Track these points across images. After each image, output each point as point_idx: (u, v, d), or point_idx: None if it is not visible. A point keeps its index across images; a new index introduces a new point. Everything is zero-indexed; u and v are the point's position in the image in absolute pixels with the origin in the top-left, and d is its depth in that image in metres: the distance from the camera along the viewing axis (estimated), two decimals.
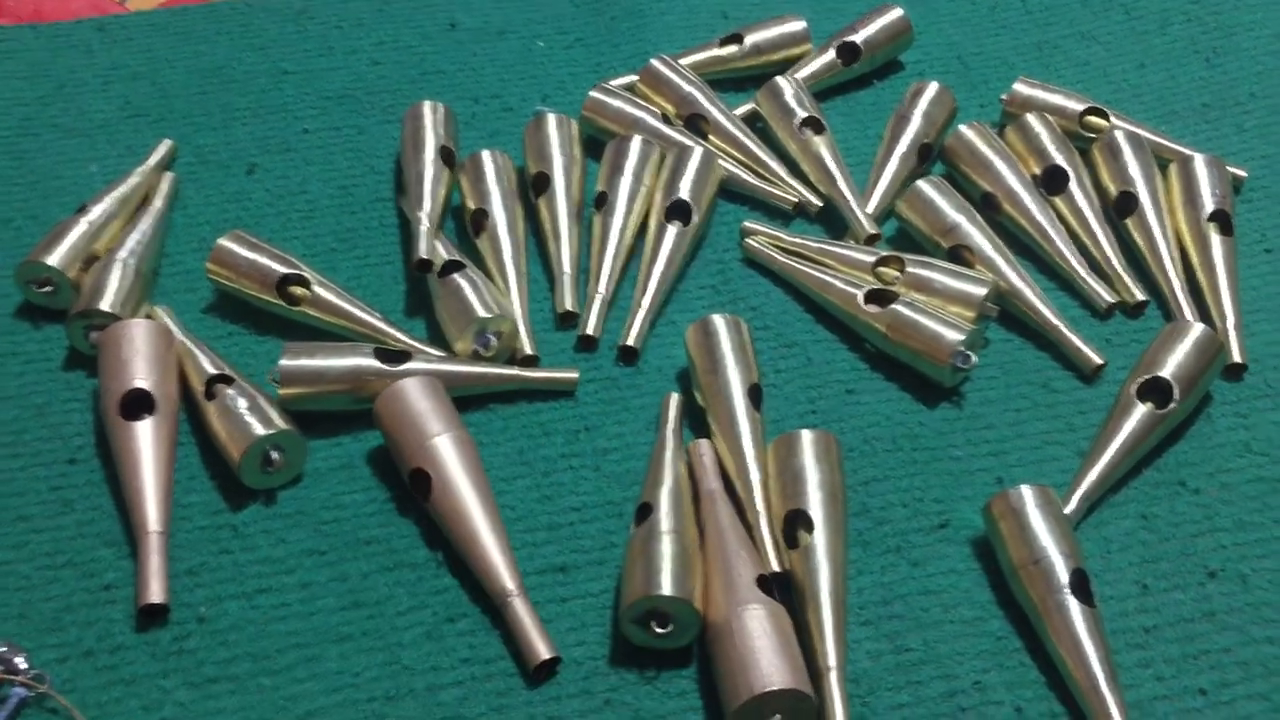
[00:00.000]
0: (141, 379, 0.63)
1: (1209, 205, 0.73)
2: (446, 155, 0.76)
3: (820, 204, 0.77)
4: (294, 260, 0.70)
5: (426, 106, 0.78)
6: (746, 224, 0.76)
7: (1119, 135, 0.77)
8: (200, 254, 0.72)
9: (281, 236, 0.76)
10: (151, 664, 0.56)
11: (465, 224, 0.75)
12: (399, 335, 0.69)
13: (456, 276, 0.69)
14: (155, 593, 0.57)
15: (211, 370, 0.65)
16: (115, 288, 0.68)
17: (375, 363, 0.65)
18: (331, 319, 0.69)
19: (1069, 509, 0.61)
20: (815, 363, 0.69)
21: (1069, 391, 0.68)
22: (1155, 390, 0.64)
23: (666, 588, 0.55)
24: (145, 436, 0.62)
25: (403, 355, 0.66)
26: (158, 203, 0.75)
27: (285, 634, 0.57)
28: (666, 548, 0.57)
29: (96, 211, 0.72)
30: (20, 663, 0.55)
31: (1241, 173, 0.78)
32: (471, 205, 0.75)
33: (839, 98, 0.86)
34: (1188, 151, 0.77)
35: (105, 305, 0.67)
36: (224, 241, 0.71)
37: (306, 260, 0.73)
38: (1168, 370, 0.64)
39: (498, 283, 0.71)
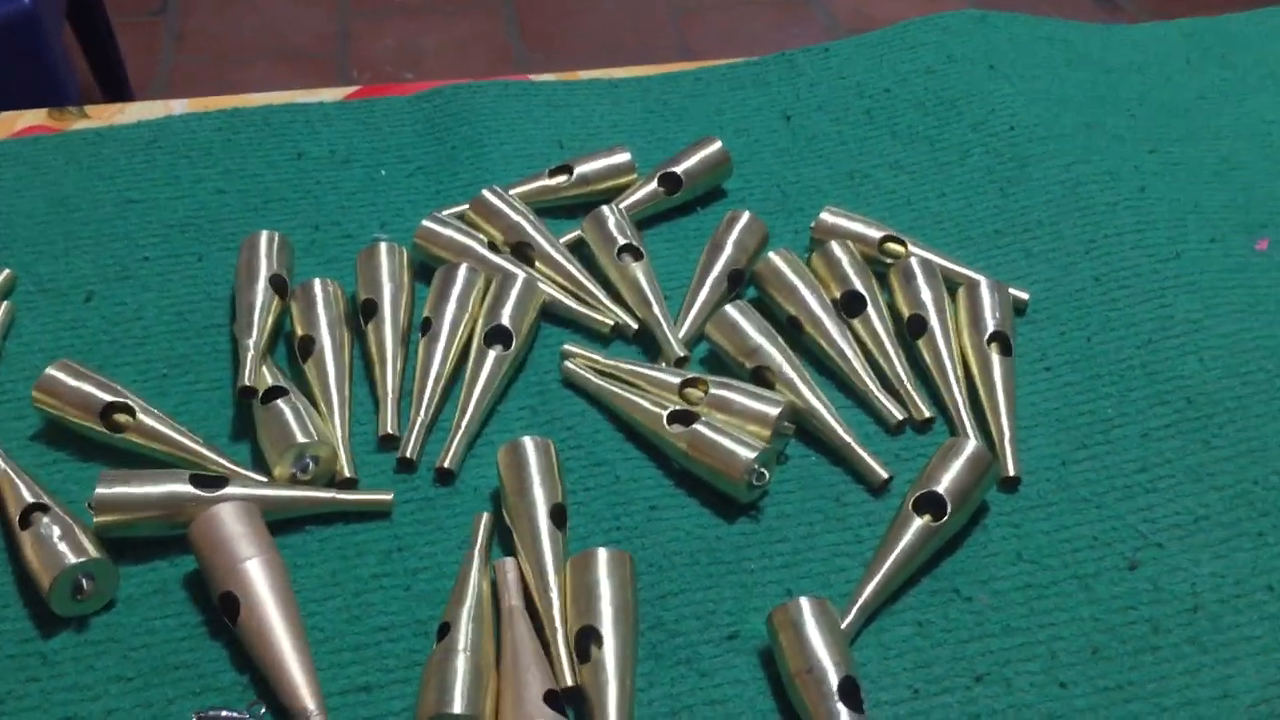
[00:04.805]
0: None
1: (990, 327, 0.79)
2: (278, 284, 0.79)
3: (636, 327, 0.82)
4: (120, 388, 0.73)
5: (263, 236, 0.82)
6: (566, 347, 0.80)
7: (913, 261, 0.83)
8: (31, 382, 0.74)
9: (114, 363, 0.78)
10: None
11: (294, 350, 0.78)
12: (220, 460, 0.71)
13: (278, 402, 0.72)
14: None
15: (29, 499, 0.67)
16: None
17: (191, 489, 0.67)
18: (155, 445, 0.72)
19: (847, 620, 0.65)
20: (623, 480, 0.73)
21: (858, 504, 0.72)
22: (931, 504, 0.69)
23: (456, 705, 0.58)
24: None
25: (219, 481, 0.68)
26: None
27: None
28: (460, 665, 0.60)
29: None
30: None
31: (1024, 295, 0.84)
32: (300, 332, 0.78)
33: (664, 224, 0.91)
34: (975, 276, 0.83)
35: None
36: (51, 370, 0.73)
37: (137, 386, 0.76)
38: (942, 485, 0.69)
39: (321, 408, 0.74)
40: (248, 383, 0.73)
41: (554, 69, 1.05)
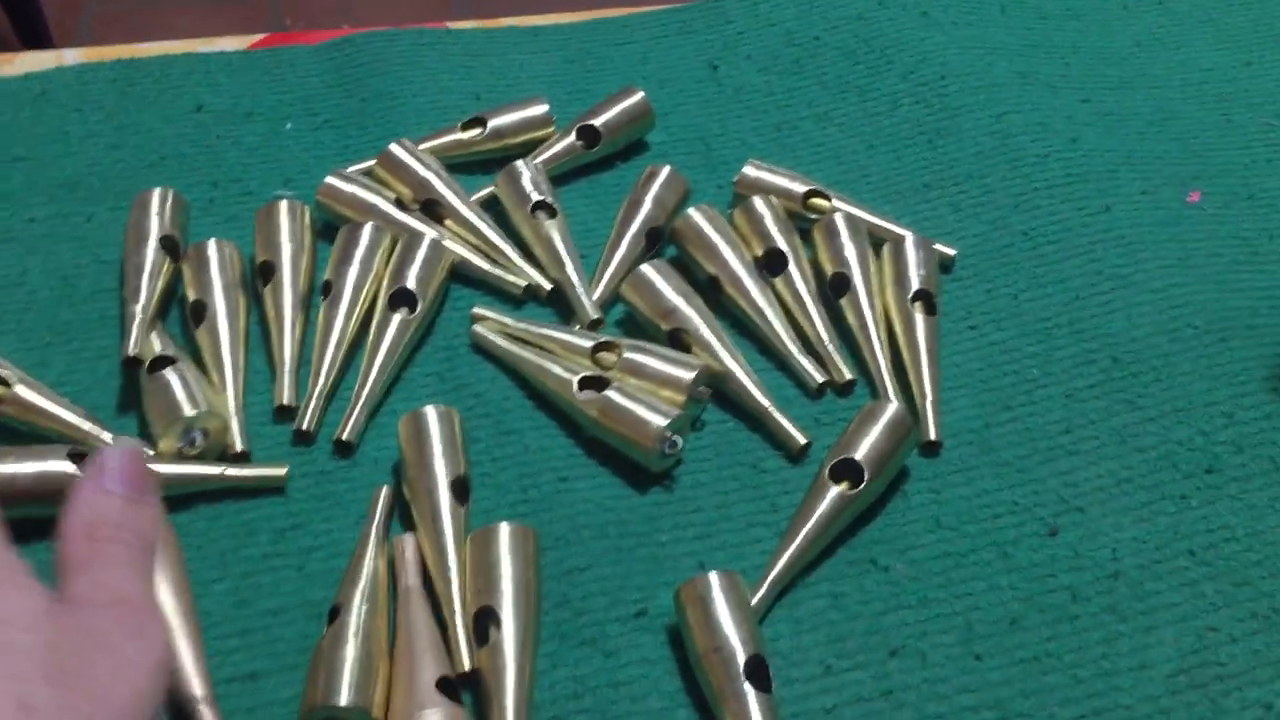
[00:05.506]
0: None
1: (915, 285, 0.76)
2: (170, 245, 0.75)
3: (549, 287, 0.78)
4: None
5: (154, 194, 0.77)
6: (476, 310, 0.77)
7: (837, 217, 0.80)
8: None
9: None
10: None
11: (186, 315, 0.74)
12: (103, 434, 0.68)
13: (165, 372, 0.68)
14: None
15: None
16: None
17: (69, 466, 0.64)
18: (33, 419, 0.68)
19: (758, 595, 0.63)
20: (531, 450, 0.70)
21: (776, 472, 0.70)
22: (848, 470, 0.66)
23: (343, 696, 0.55)
24: None
25: None
26: None
27: None
28: (349, 652, 0.57)
29: None
30: None
31: (950, 251, 0.81)
32: (192, 296, 0.74)
33: (583, 180, 0.88)
34: (901, 231, 0.81)
35: None
36: None
37: (17, 356, 0.71)
38: (860, 451, 0.67)
39: (213, 377, 0.71)
40: (132, 352, 0.69)
41: (483, 15, 1.01)
